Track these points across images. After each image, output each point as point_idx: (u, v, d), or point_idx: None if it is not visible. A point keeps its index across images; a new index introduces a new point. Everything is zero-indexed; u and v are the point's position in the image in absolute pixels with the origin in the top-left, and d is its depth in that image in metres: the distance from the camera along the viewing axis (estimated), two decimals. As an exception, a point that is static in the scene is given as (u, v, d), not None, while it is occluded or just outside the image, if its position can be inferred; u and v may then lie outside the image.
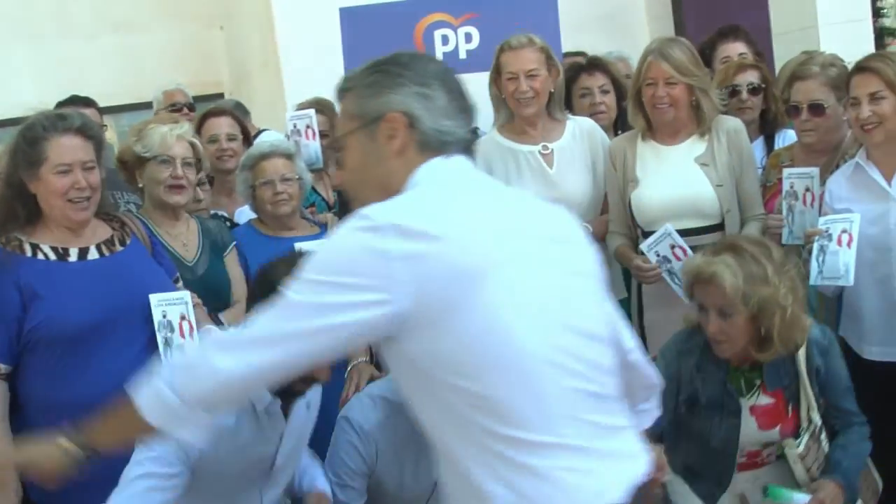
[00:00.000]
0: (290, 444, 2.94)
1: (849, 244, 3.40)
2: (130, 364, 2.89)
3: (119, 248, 3.13)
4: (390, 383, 3.16)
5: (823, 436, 3.22)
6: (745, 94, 4.35)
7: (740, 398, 3.16)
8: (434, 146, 2.04)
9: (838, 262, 3.40)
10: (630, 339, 2.30)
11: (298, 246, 3.86)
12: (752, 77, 4.38)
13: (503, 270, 1.91)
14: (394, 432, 3.12)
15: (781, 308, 2.98)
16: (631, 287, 4.13)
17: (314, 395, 3.10)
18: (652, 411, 2.45)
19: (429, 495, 3.23)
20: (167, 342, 3.04)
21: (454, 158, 2.06)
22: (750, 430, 3.18)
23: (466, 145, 2.10)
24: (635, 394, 2.31)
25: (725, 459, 3.21)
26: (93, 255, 3.06)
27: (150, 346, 3.05)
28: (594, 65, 4.75)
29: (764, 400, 3.17)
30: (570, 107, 4.46)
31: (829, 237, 3.43)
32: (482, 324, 1.88)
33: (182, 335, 3.07)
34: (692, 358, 3.20)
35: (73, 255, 3.04)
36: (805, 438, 3.17)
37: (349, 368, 3.43)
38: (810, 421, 3.18)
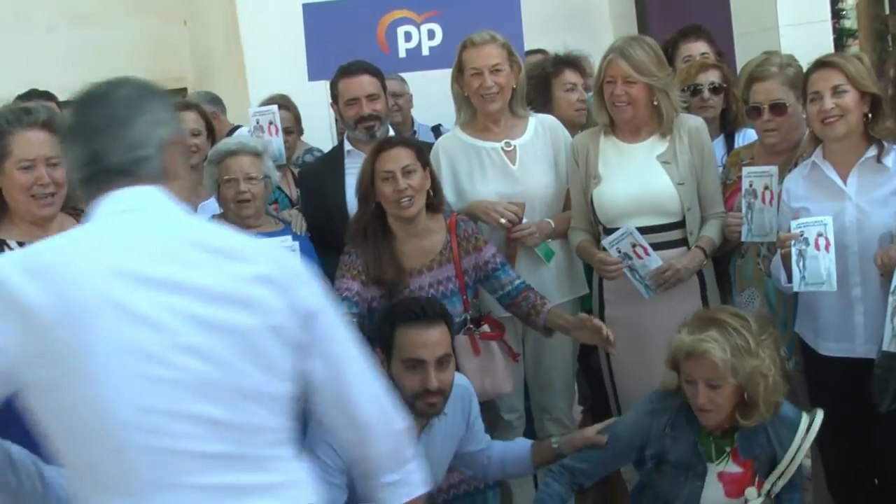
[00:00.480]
0: None
1: (827, 248, 3.42)
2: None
3: None
4: None
5: None
6: (706, 94, 4.39)
7: (708, 462, 3.25)
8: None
9: (819, 268, 3.42)
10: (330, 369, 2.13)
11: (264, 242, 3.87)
12: (713, 76, 4.43)
13: (98, 327, 1.84)
14: None
15: (765, 377, 3.11)
16: (593, 283, 4.16)
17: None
18: (408, 483, 2.29)
19: None
20: None
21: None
22: (716, 497, 3.26)
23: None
24: (357, 448, 2.22)
25: None
26: None
27: None
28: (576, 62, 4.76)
29: (733, 468, 3.26)
30: (550, 102, 4.49)
31: (806, 241, 3.45)
32: (71, 391, 1.84)
33: None
34: (665, 416, 3.29)
35: None
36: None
37: None
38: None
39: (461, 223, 3.82)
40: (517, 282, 3.81)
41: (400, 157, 3.66)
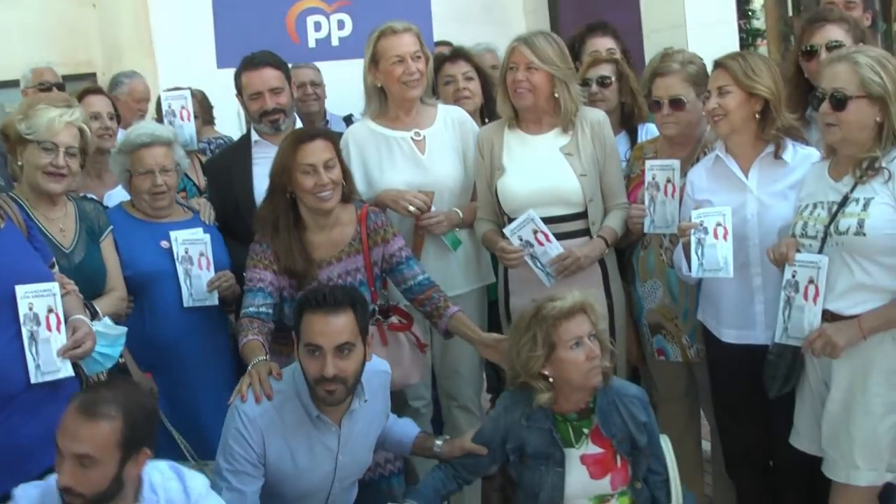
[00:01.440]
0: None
1: (725, 237, 3.52)
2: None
3: None
4: (285, 374, 3.26)
5: None
6: (594, 87, 4.48)
7: (568, 448, 3.34)
8: None
9: (717, 255, 3.52)
10: None
11: (174, 235, 3.85)
12: (604, 70, 4.52)
13: None
14: (282, 420, 3.19)
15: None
16: (498, 272, 4.21)
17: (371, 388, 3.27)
18: None
19: (332, 479, 3.32)
20: (32, 336, 2.93)
21: None
22: (582, 480, 3.35)
23: None
24: None
25: None
26: None
27: (20, 336, 2.94)
28: (456, 54, 4.78)
29: (594, 449, 3.36)
30: (435, 95, 4.49)
31: (706, 230, 3.54)
32: None
33: (49, 328, 2.96)
34: (518, 409, 3.38)
35: None
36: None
37: (249, 368, 3.37)
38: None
39: (371, 215, 3.83)
40: (421, 277, 3.82)
41: (321, 151, 3.65)
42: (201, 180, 4.61)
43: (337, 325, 3.09)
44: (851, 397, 3.29)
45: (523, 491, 3.44)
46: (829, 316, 3.28)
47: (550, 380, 3.27)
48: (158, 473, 2.81)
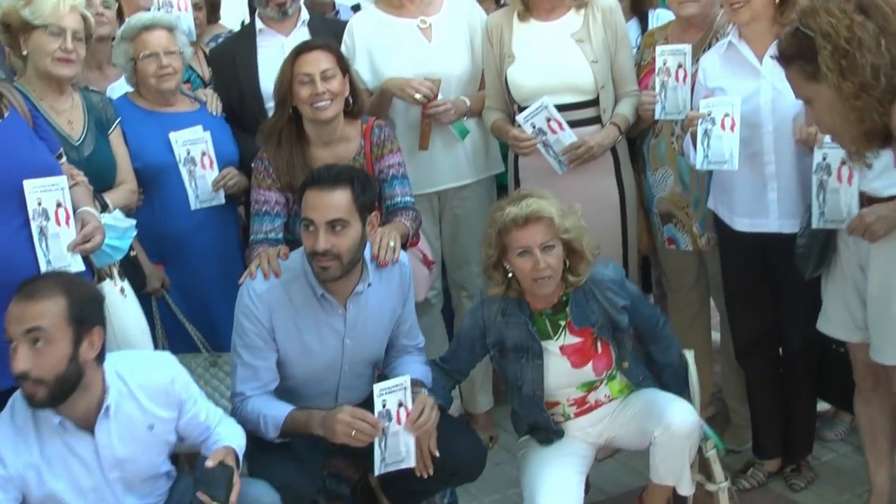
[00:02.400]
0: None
1: (732, 128, 3.47)
2: (6, 242, 2.87)
3: None
4: (294, 255, 3.31)
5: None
6: None
7: (546, 340, 3.38)
8: None
9: (723, 147, 3.47)
10: None
11: (174, 136, 3.80)
12: None
13: None
14: (289, 297, 3.24)
15: (584, 233, 3.28)
16: (508, 161, 4.19)
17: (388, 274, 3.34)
18: None
19: (340, 363, 3.36)
20: (42, 232, 2.92)
21: None
22: (563, 370, 3.39)
23: None
24: None
25: (537, 407, 3.44)
26: None
27: (29, 226, 2.92)
28: None
29: (572, 339, 3.39)
30: None
31: (713, 121, 3.49)
32: None
33: (58, 223, 2.95)
34: (494, 304, 3.41)
35: None
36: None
37: (255, 255, 3.43)
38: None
39: (376, 129, 3.78)
40: (399, 199, 3.76)
41: (319, 61, 3.59)
42: (206, 72, 4.53)
43: (330, 201, 3.11)
44: (891, 279, 3.20)
45: (507, 384, 3.53)
46: (865, 199, 3.21)
47: (510, 275, 3.31)
48: (122, 361, 2.86)
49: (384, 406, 3.12)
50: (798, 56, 2.46)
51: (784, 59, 2.54)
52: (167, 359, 2.99)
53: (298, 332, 3.27)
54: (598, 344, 3.39)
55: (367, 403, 3.46)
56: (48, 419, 2.69)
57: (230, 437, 3.00)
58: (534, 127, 3.88)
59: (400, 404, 3.14)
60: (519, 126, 3.91)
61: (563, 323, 3.38)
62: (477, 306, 3.49)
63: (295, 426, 3.17)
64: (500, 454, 4.30)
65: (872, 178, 3.16)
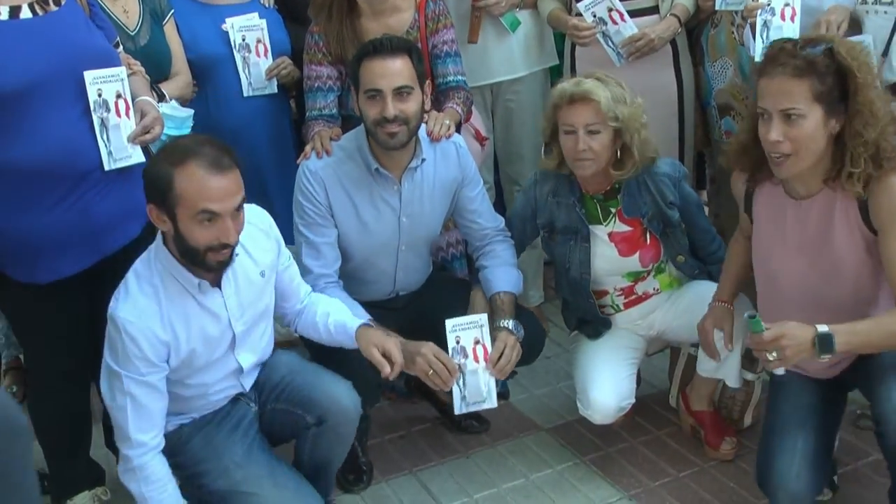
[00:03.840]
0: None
1: (792, 18, 3.42)
2: (67, 129, 2.87)
3: (53, 7, 2.93)
4: (347, 136, 3.39)
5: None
6: None
7: (596, 225, 3.38)
8: None
9: (783, 37, 3.32)
10: None
11: (230, 21, 3.77)
12: None
13: None
14: (344, 173, 3.31)
15: (639, 128, 3.21)
16: (564, 53, 4.13)
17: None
18: None
19: (397, 240, 3.42)
20: (103, 123, 2.93)
21: None
22: (610, 256, 3.39)
23: None
24: None
25: (584, 291, 3.45)
26: (25, 13, 2.86)
27: (88, 114, 2.92)
28: None
29: (622, 227, 3.38)
30: None
31: (773, 11, 3.44)
32: None
33: (118, 114, 2.95)
34: (547, 185, 3.41)
35: (4, 14, 2.84)
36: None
37: (311, 134, 3.47)
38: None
39: (431, 2, 3.74)
40: (451, 78, 3.74)
41: None
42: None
43: (395, 68, 3.14)
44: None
45: (556, 267, 3.56)
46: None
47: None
48: None
49: (458, 342, 3.17)
50: (821, 73, 2.59)
51: (800, 69, 2.59)
52: (259, 212, 3.04)
53: (355, 208, 3.32)
54: (647, 235, 3.38)
55: (426, 292, 3.51)
56: (186, 281, 2.75)
57: (341, 310, 3.11)
58: (594, 16, 3.83)
59: (477, 342, 3.18)
60: (578, 15, 3.85)
61: (613, 210, 3.37)
62: (530, 185, 3.49)
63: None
64: (552, 348, 4.33)
65: None
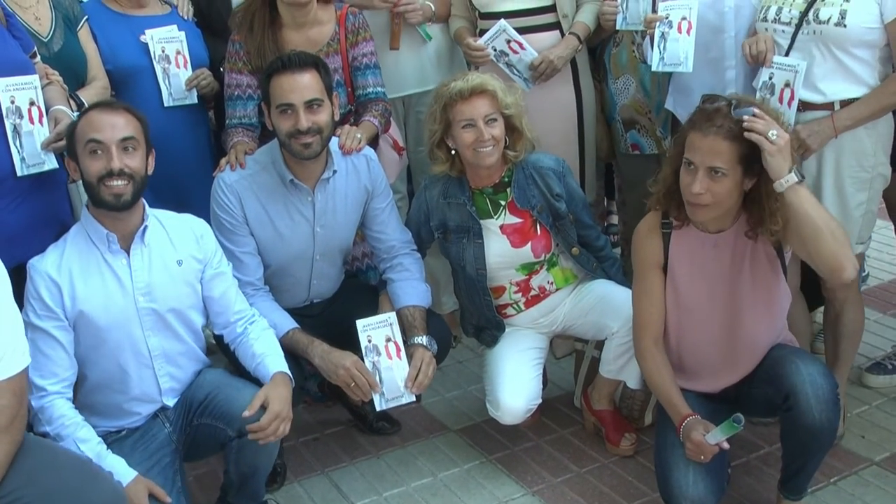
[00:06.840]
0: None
1: (688, 31, 3.52)
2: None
3: None
4: (260, 150, 3.49)
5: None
6: None
7: (487, 219, 3.53)
8: None
9: (678, 50, 3.53)
10: None
11: (150, 34, 3.83)
12: None
13: None
14: (258, 185, 3.40)
15: (523, 113, 3.44)
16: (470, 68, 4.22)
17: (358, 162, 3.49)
18: None
19: (312, 250, 3.51)
20: (16, 130, 2.98)
21: None
22: (503, 249, 3.54)
23: None
24: None
25: (480, 289, 3.58)
26: None
27: (2, 124, 2.98)
28: None
29: (513, 219, 3.53)
30: None
31: (670, 24, 3.55)
32: None
33: (31, 121, 3.01)
34: (437, 187, 3.57)
35: None
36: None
37: (230, 146, 3.57)
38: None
39: (350, 15, 3.82)
40: (371, 90, 3.84)
41: None
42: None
43: (304, 82, 3.24)
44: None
45: (453, 268, 3.70)
46: (801, 105, 3.31)
47: (452, 151, 3.45)
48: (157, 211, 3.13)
49: (370, 342, 3.29)
50: (745, 141, 2.74)
51: (732, 133, 2.77)
52: (200, 221, 3.21)
53: (270, 220, 3.40)
54: (538, 227, 3.52)
55: (338, 299, 3.60)
56: (95, 231, 2.92)
57: (273, 355, 3.15)
58: (495, 50, 3.96)
59: (388, 339, 3.31)
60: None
61: (503, 203, 3.52)
62: (421, 191, 3.63)
63: (293, 344, 3.32)
64: (464, 353, 4.49)
65: (809, 87, 3.30)
